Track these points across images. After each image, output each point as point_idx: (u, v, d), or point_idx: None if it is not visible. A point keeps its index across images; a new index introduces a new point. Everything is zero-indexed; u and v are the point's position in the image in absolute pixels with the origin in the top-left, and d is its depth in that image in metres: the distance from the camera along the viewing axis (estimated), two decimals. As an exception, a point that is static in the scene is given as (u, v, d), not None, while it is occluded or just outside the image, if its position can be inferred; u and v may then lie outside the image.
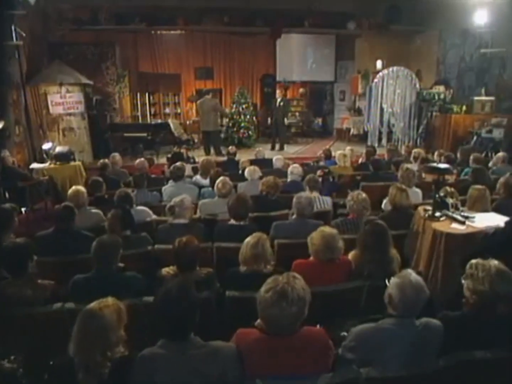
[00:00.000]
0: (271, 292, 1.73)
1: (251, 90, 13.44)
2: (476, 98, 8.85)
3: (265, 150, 7.48)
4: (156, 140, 9.54)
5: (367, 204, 3.38)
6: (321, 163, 6.12)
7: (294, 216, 3.43)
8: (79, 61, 9.49)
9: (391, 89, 10.22)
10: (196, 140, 10.85)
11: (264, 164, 6.02)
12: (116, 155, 6.39)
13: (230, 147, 7.00)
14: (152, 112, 11.74)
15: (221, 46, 13.00)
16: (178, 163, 5.50)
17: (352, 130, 11.89)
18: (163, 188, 4.75)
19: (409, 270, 2.02)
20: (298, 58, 13.31)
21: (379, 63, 11.45)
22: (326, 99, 13.56)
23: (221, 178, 4.08)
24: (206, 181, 5.25)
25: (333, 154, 7.25)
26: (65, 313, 2.28)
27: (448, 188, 3.45)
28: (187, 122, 12.07)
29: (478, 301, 1.96)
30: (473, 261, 2.03)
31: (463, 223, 3.01)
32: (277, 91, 11.40)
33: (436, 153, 6.74)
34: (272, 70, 13.36)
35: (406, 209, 3.61)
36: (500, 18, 7.69)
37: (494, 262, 1.99)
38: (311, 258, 2.62)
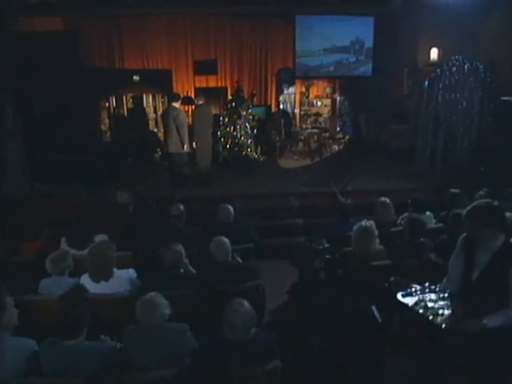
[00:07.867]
0: None
1: (264, 88, 10.74)
2: None
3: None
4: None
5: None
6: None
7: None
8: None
9: (452, 90, 7.24)
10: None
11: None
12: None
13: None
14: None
15: (226, 33, 10.35)
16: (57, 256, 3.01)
17: (392, 144, 8.91)
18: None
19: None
20: (324, 46, 10.34)
21: (434, 53, 8.39)
22: (360, 100, 10.46)
23: None
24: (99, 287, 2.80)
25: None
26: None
27: None
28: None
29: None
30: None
31: None
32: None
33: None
34: (291, 63, 10.51)
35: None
36: None
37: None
38: None
